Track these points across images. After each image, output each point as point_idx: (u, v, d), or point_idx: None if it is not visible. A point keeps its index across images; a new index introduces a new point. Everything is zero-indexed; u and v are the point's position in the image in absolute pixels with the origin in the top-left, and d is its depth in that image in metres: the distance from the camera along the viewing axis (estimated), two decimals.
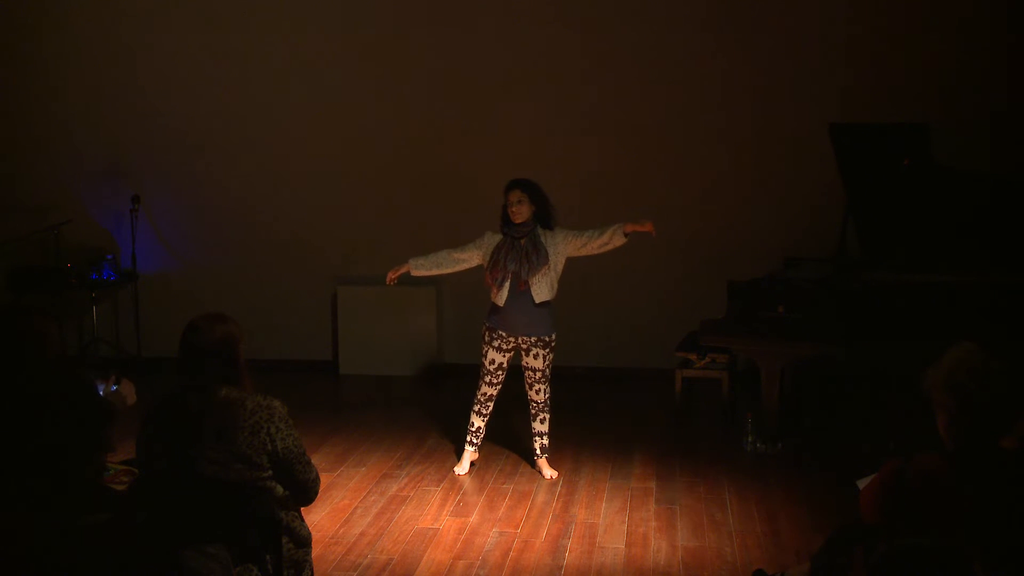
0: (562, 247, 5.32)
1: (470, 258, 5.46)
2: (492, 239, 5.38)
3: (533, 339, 5.35)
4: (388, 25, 7.82)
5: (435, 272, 5.53)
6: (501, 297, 5.31)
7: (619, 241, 5.33)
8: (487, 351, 5.45)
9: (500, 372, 5.50)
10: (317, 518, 4.95)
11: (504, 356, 5.45)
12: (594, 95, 7.67)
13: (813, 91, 7.39)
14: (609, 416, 6.84)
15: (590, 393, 7.47)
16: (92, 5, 8.08)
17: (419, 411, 6.98)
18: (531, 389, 5.50)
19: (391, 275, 5.55)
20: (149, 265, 8.20)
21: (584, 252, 5.38)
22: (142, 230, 8.07)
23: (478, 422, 5.64)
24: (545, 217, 5.33)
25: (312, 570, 3.46)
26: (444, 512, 5.12)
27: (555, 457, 5.77)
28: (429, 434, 6.39)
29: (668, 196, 7.65)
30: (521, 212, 5.27)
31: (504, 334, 5.38)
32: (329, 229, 8.03)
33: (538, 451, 5.62)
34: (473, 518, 5.03)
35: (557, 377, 7.62)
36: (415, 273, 5.52)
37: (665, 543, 4.72)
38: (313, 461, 3.39)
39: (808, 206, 7.29)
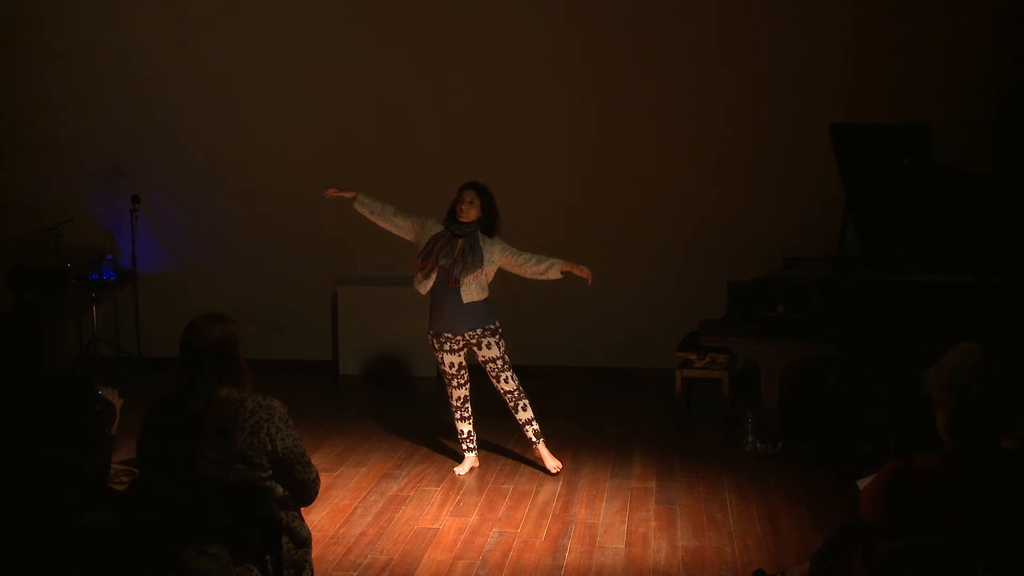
0: (497, 256, 5.40)
1: (404, 229, 5.53)
2: (433, 227, 5.44)
3: (479, 331, 5.39)
4: (391, 25, 7.82)
5: (371, 218, 5.57)
6: (424, 287, 5.38)
7: (555, 275, 5.45)
8: (441, 356, 5.50)
9: (463, 372, 5.54)
10: (317, 518, 4.95)
11: (459, 356, 5.49)
12: (594, 95, 7.67)
13: (813, 91, 7.39)
14: (609, 416, 6.84)
15: (590, 393, 7.47)
16: (92, 5, 8.08)
17: (419, 411, 6.98)
18: (499, 381, 5.50)
19: (333, 191, 5.57)
20: (149, 265, 8.21)
21: (517, 272, 5.48)
22: (142, 230, 8.08)
23: (465, 427, 5.66)
24: (489, 225, 5.41)
25: (312, 570, 3.46)
26: (444, 512, 5.12)
27: (555, 457, 5.76)
28: (429, 434, 6.39)
29: (668, 196, 7.66)
30: (469, 213, 5.35)
31: (450, 335, 5.41)
32: (329, 229, 8.03)
33: (532, 438, 5.61)
34: (473, 518, 5.03)
35: (558, 377, 7.72)
36: (355, 206, 5.55)
37: (665, 543, 4.72)
38: (313, 461, 3.39)
39: (808, 206, 7.29)
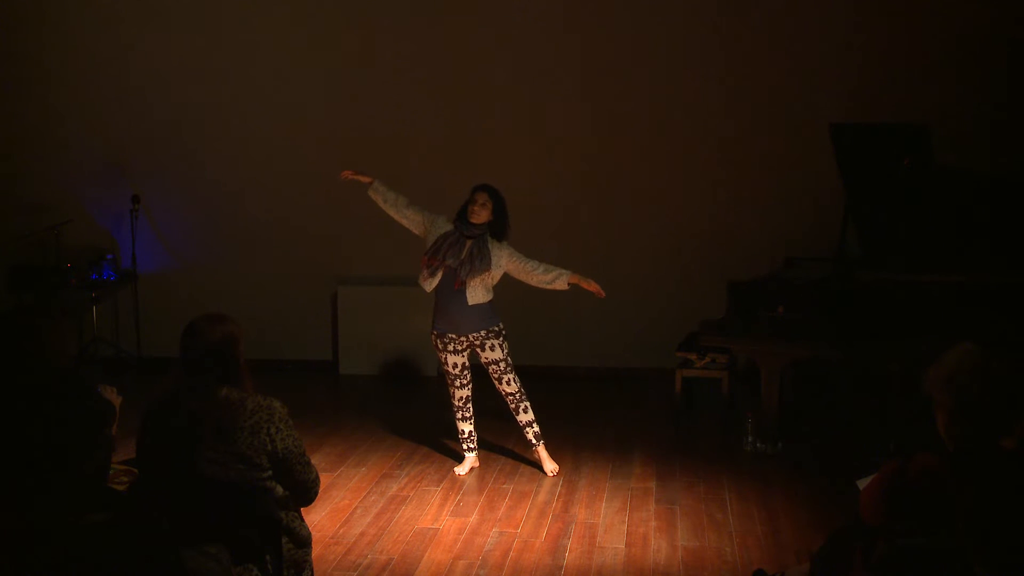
0: (505, 261, 5.39)
1: (414, 223, 5.52)
2: (443, 225, 5.43)
3: (483, 333, 5.38)
4: (391, 24, 7.82)
5: (383, 207, 5.55)
6: (429, 284, 5.37)
7: (561, 286, 5.42)
8: (445, 357, 5.49)
9: (466, 372, 5.54)
10: (317, 518, 4.95)
11: (462, 356, 5.49)
12: (594, 95, 7.67)
13: (813, 91, 7.39)
14: (609, 416, 6.83)
15: (590, 393, 7.47)
16: (91, 5, 8.08)
17: (419, 411, 6.98)
18: (500, 383, 5.50)
19: (349, 173, 5.57)
20: (149, 265, 8.21)
21: (523, 279, 5.46)
22: (142, 230, 8.08)
23: (466, 427, 5.66)
24: (499, 229, 5.40)
25: (312, 570, 3.46)
26: (444, 512, 5.12)
27: (555, 457, 5.76)
28: (429, 434, 6.39)
29: (668, 196, 7.66)
30: (481, 215, 5.33)
31: (454, 336, 5.41)
32: (329, 229, 8.03)
33: (533, 440, 5.61)
34: (473, 518, 5.03)
35: (558, 378, 7.72)
36: (370, 192, 5.54)
37: (665, 543, 4.72)
38: (313, 461, 3.39)
39: (808, 206, 7.29)
